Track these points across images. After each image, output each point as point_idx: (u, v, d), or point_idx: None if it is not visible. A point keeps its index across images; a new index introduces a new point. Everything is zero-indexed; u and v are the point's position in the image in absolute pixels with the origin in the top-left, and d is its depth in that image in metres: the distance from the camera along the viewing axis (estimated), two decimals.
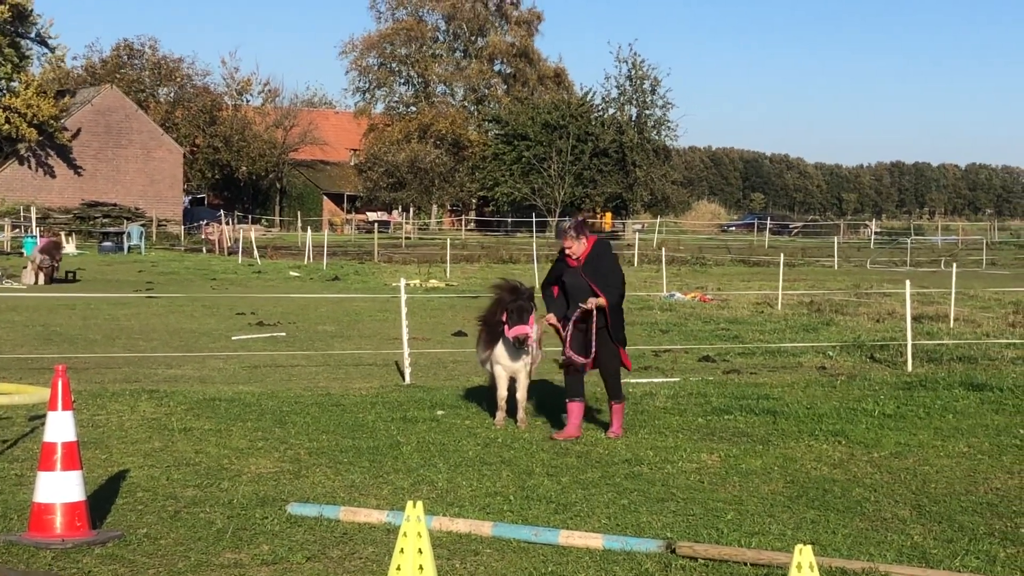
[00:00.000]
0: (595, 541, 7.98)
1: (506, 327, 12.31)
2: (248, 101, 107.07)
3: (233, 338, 21.49)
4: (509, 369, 12.57)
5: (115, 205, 77.39)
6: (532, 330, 12.44)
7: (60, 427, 7.94)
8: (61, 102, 78.90)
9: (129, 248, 59.42)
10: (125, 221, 70.64)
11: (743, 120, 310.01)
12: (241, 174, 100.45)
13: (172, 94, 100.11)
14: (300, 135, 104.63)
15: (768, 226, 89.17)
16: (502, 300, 12.46)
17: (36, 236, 50.85)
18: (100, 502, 8.62)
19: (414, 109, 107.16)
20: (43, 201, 74.78)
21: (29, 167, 79.01)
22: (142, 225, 67.01)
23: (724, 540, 8.12)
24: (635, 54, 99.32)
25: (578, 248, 12.16)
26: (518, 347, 12.30)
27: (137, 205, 78.69)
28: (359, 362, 18.26)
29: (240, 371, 17.05)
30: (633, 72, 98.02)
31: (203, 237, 69.60)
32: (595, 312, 11.99)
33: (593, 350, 12.03)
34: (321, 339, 21.69)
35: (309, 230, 57.94)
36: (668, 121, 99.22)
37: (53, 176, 79.26)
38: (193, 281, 39.33)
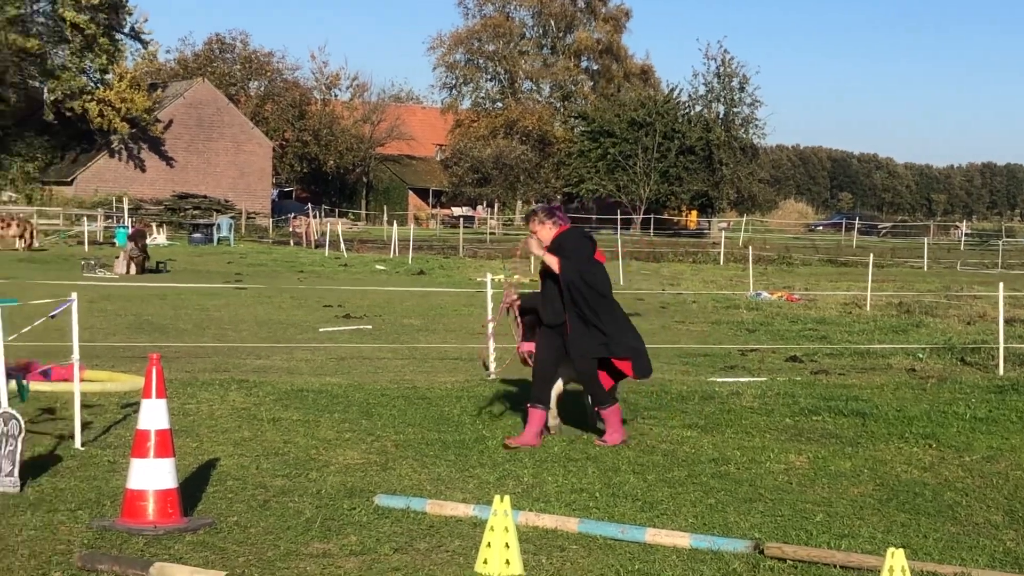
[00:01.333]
0: (682, 540, 7.94)
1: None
2: (336, 96, 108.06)
3: (320, 330, 21.65)
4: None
5: (205, 197, 78.33)
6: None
7: (154, 415, 8.05)
8: (154, 95, 79.94)
9: (218, 240, 60.09)
10: (215, 213, 71.46)
11: (832, 119, 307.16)
12: (329, 168, 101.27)
13: (262, 88, 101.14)
14: (387, 130, 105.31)
15: (856, 226, 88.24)
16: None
17: (128, 227, 51.62)
18: (191, 489, 8.72)
19: (500, 105, 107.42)
20: (135, 192, 75.87)
21: (121, 159, 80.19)
22: (231, 217, 67.74)
23: (813, 542, 8.05)
24: (724, 51, 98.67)
25: (544, 233, 11.40)
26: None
27: (227, 197, 79.59)
28: (444, 356, 18.33)
29: (327, 362, 17.17)
30: (722, 69, 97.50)
31: (291, 230, 70.25)
32: (543, 281, 11.30)
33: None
34: (407, 332, 21.79)
35: (395, 224, 58.26)
36: (756, 119, 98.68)
37: (144, 170, 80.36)
38: (281, 273, 39.70)
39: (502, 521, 7.25)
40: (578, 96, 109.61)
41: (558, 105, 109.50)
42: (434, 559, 7.50)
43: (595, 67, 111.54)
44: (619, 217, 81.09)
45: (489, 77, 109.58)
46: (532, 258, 11.87)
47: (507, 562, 7.22)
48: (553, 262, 11.17)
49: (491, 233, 75.25)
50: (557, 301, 11.28)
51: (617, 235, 64.81)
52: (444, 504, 8.69)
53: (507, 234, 77.45)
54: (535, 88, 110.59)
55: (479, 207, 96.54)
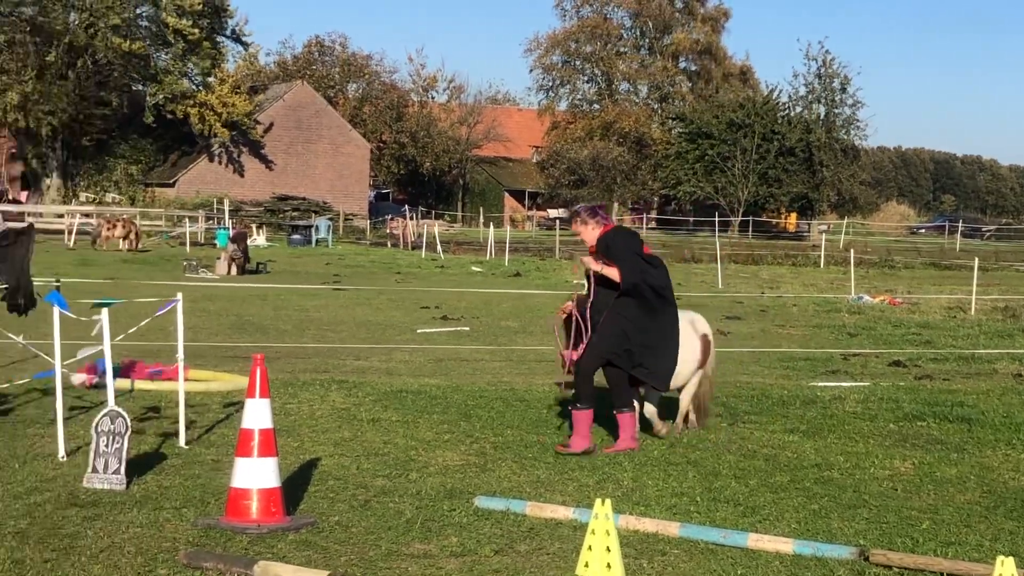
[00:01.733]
0: (785, 546, 7.85)
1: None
2: (433, 98, 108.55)
3: (418, 331, 21.74)
4: None
5: (304, 199, 79.07)
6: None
7: (257, 414, 8.12)
8: (255, 99, 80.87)
9: (317, 241, 60.59)
10: (313, 215, 72.08)
11: (934, 120, 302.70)
12: (425, 170, 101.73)
13: (360, 90, 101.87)
14: (484, 132, 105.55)
15: (959, 228, 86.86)
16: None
17: (229, 228, 52.25)
18: (293, 489, 8.78)
19: (597, 107, 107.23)
20: (235, 194, 76.75)
21: (222, 161, 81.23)
22: (330, 219, 68.25)
23: (919, 550, 7.92)
24: (825, 51, 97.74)
25: (588, 234, 11.17)
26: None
27: (325, 199, 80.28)
28: (541, 358, 18.29)
29: (425, 364, 17.23)
30: (823, 70, 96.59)
31: (388, 231, 70.62)
32: (596, 291, 10.92)
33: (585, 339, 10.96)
34: (504, 334, 21.81)
35: (492, 226, 58.36)
36: (857, 120, 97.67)
37: (243, 173, 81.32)
38: (378, 274, 39.93)
39: (603, 524, 7.20)
40: (676, 97, 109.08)
41: (655, 106, 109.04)
42: (535, 561, 7.49)
43: (693, 68, 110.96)
44: (717, 219, 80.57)
45: (586, 78, 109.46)
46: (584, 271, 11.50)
47: (608, 566, 7.16)
48: (613, 273, 10.88)
49: None
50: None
51: (715, 238, 64.39)
52: (544, 506, 8.67)
53: None
54: (632, 89, 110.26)
55: None
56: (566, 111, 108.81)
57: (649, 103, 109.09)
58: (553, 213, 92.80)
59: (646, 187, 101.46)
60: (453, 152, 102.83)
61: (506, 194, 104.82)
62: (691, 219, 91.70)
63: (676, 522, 8.33)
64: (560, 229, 65.98)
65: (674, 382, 11.80)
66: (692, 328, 11.93)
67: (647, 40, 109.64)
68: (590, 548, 7.22)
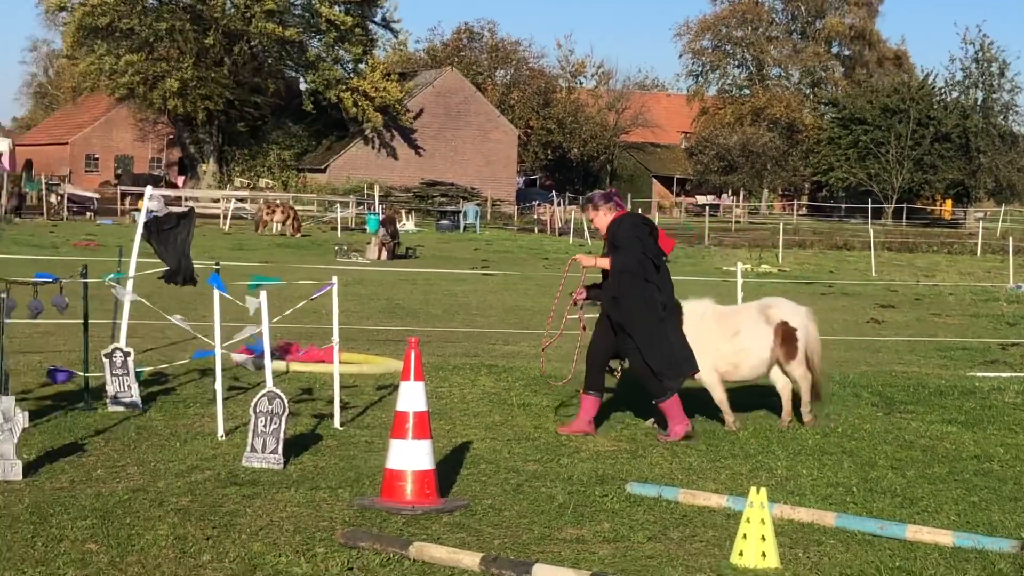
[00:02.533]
0: (944, 538, 7.68)
1: None
2: (581, 83, 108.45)
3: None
4: None
5: (452, 184, 79.63)
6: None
7: (412, 397, 8.19)
8: (405, 85, 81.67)
9: (465, 227, 60.99)
10: (461, 200, 72.54)
11: None
12: (573, 156, 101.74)
13: (508, 76, 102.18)
14: (632, 117, 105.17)
15: None
16: None
17: (379, 213, 52.85)
18: (446, 471, 8.83)
19: (747, 92, 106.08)
20: (384, 180, 77.57)
21: (373, 147, 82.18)
22: (478, 204, 68.66)
23: None
24: (983, 36, 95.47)
25: (600, 220, 11.09)
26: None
27: (473, 185, 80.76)
28: None
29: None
30: (980, 55, 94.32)
31: (535, 217, 70.81)
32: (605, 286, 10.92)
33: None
34: None
35: (641, 211, 58.11)
36: (1016, 106, 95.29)
37: (396, 157, 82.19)
38: (526, 260, 40.05)
39: (758, 513, 7.14)
40: (828, 82, 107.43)
41: (807, 92, 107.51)
42: (688, 549, 7.44)
43: (846, 53, 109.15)
44: (870, 206, 79.22)
45: (736, 63, 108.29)
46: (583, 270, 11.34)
47: (763, 554, 7.10)
48: (604, 263, 10.88)
49: (736, 222, 74.38)
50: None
51: (868, 225, 63.33)
52: (697, 494, 8.61)
53: (752, 223, 76.46)
54: (784, 74, 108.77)
55: (724, 195, 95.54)
56: (716, 96, 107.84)
57: (801, 88, 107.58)
58: (702, 200, 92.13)
59: (797, 173, 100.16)
60: (601, 138, 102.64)
61: (654, 180, 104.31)
62: (843, 206, 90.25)
63: (832, 512, 8.21)
64: (709, 216, 65.48)
65: (748, 373, 11.58)
66: (763, 317, 11.53)
67: (799, 24, 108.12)
68: (745, 536, 7.17)
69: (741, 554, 7.15)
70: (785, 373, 11.62)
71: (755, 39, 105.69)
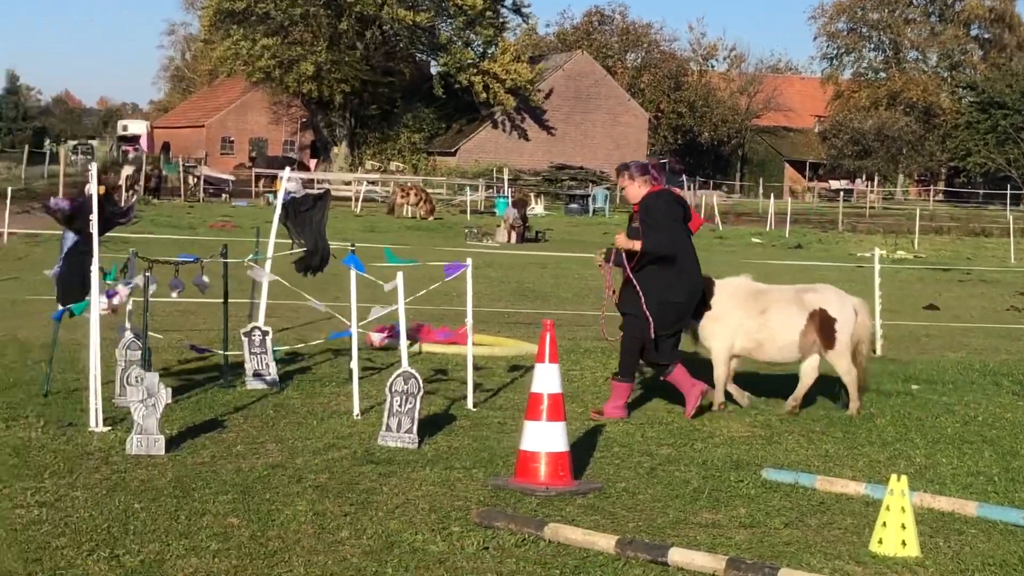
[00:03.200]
0: None
1: None
2: (713, 67, 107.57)
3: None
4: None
5: (581, 168, 79.57)
6: None
7: (547, 379, 8.19)
8: (536, 68, 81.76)
9: (594, 211, 60.87)
10: (590, 184, 72.43)
11: None
12: (703, 140, 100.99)
13: (639, 59, 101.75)
14: (764, 101, 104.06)
15: None
16: None
17: (508, 197, 52.98)
18: (579, 453, 8.81)
19: (883, 75, 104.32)
20: (514, 163, 77.74)
21: (503, 130, 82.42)
22: (607, 188, 68.48)
23: None
24: None
25: (632, 191, 10.82)
26: None
27: (602, 169, 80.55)
28: None
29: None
30: None
31: None
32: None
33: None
34: None
35: (772, 197, 57.53)
36: None
37: (527, 139, 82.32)
38: None
39: (898, 501, 7.03)
40: (967, 66, 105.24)
41: (945, 75, 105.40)
42: (826, 536, 7.34)
43: (985, 35, 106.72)
44: (1009, 192, 77.42)
45: (872, 46, 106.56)
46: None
47: (903, 543, 6.99)
48: (636, 245, 10.62)
49: (871, 207, 73.11)
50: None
51: (1007, 211, 61.94)
52: (834, 481, 8.50)
53: (887, 208, 75.18)
54: (921, 57, 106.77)
55: (858, 180, 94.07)
56: (850, 80, 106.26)
57: (938, 71, 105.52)
58: (835, 184, 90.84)
59: (933, 158, 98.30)
60: (732, 122, 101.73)
61: (786, 164, 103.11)
62: (981, 192, 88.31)
63: (973, 501, 8.04)
64: (843, 201, 64.56)
65: (774, 354, 11.34)
66: (798, 301, 11.24)
67: (937, 7, 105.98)
68: (884, 524, 7.06)
69: (880, 542, 7.04)
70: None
71: (892, 21, 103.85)
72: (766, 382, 12.25)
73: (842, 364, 11.23)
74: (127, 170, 55.36)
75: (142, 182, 53.72)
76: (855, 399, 11.31)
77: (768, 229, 51.22)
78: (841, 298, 11.39)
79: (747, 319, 11.24)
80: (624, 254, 10.81)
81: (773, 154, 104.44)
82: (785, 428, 10.54)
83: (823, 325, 11.15)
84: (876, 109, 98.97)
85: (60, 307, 10.62)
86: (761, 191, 75.24)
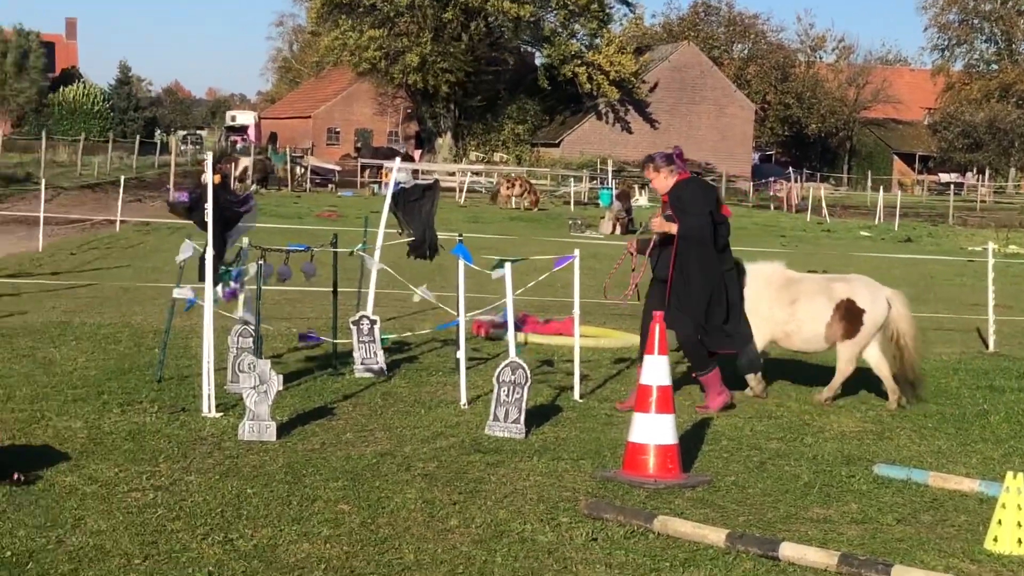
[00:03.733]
0: None
1: None
2: (821, 58, 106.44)
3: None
4: None
5: (687, 160, 79.04)
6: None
7: (656, 371, 8.15)
8: (641, 59, 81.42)
9: None
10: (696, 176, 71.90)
11: None
12: (811, 131, 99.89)
13: (745, 51, 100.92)
14: (873, 93, 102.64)
15: None
16: None
17: (611, 188, 52.86)
18: (686, 446, 8.76)
19: (995, 67, 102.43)
20: (617, 155, 77.49)
21: (606, 122, 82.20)
22: (712, 181, 68.04)
23: None
24: None
25: (660, 182, 10.66)
26: None
27: (708, 161, 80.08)
28: (938, 326, 17.65)
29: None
30: None
31: (771, 194, 69.83)
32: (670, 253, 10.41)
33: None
34: None
35: (881, 190, 56.79)
36: None
37: (630, 131, 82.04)
38: (762, 237, 39.50)
39: (1015, 499, 6.90)
40: None
41: None
42: (939, 533, 7.24)
43: None
44: None
45: (984, 38, 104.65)
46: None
47: (1019, 541, 6.86)
48: (672, 228, 10.41)
49: (981, 201, 71.86)
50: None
51: None
52: (948, 477, 8.37)
53: (998, 202, 73.82)
54: None
55: (968, 174, 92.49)
56: (962, 71, 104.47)
57: None
58: (945, 177, 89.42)
59: None
60: (840, 114, 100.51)
61: (895, 157, 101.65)
62: None
63: None
64: (954, 194, 63.52)
65: (801, 344, 11.27)
66: (827, 291, 11.06)
67: None
68: (1000, 522, 6.94)
69: (995, 540, 6.92)
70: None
71: (1004, 13, 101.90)
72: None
73: (846, 354, 11.10)
74: (244, 161, 56.11)
75: (251, 172, 54.35)
76: (892, 392, 11.17)
77: (877, 223, 50.54)
78: (873, 290, 11.22)
79: (778, 309, 11.12)
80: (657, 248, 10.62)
81: (882, 146, 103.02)
82: (896, 424, 10.41)
83: (848, 315, 11.02)
84: (988, 102, 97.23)
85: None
86: (869, 184, 74.12)
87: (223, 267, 10.26)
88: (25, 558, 6.11)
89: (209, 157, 10.02)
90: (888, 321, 11.11)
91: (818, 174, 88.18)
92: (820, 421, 10.37)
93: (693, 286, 10.40)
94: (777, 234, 41.47)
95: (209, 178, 9.77)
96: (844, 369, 11.21)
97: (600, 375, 12.18)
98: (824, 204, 54.35)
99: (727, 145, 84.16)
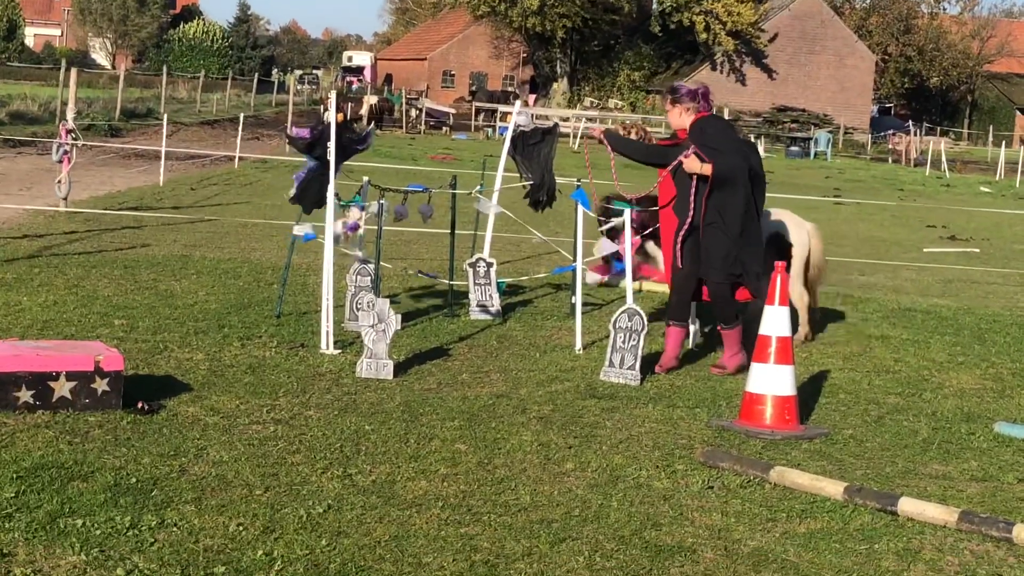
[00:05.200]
0: None
1: None
2: (945, 10, 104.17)
3: (924, 250, 21.07)
4: None
5: (804, 111, 78.08)
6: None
7: (776, 322, 8.08)
8: (761, 8, 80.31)
9: (815, 154, 59.76)
10: (812, 127, 71.08)
11: None
12: (932, 85, 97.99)
13: (867, 1, 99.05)
14: (996, 46, 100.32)
15: None
16: None
17: None
18: (803, 398, 8.68)
19: None
20: (734, 104, 76.62)
21: (723, 72, 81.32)
22: (829, 132, 67.11)
23: None
24: None
25: (677, 119, 9.70)
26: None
27: (825, 112, 78.95)
28: None
29: (933, 284, 16.69)
30: None
31: (889, 147, 68.71)
32: (700, 201, 9.47)
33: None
34: (1017, 258, 20.79)
35: (1003, 145, 55.60)
36: None
37: (744, 83, 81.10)
38: (879, 190, 38.95)
39: None
40: None
41: None
42: None
43: None
44: None
45: None
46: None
47: None
48: (707, 168, 9.41)
49: None
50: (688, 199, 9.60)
51: None
52: None
53: None
54: None
55: None
56: None
57: None
58: None
59: None
60: (963, 67, 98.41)
61: (1017, 113, 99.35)
62: None
63: None
64: None
65: None
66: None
67: None
68: None
69: None
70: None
71: None
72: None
73: (794, 290, 10.77)
74: (370, 99, 56.49)
75: (366, 111, 54.67)
76: (804, 324, 11.20)
77: (997, 179, 49.53)
78: (797, 224, 11.31)
79: None
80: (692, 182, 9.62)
81: (1004, 101, 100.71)
82: (1017, 382, 10.22)
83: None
84: None
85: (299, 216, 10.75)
86: (991, 139, 72.60)
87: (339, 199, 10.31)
88: (150, 485, 6.24)
89: (333, 95, 10.08)
90: (807, 253, 11.23)
91: (938, 128, 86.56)
92: (939, 377, 10.23)
93: (730, 232, 9.55)
94: (895, 187, 40.83)
95: (332, 116, 9.83)
96: (801, 304, 11.14)
97: (712, 323, 12.08)
98: (944, 158, 53.37)
99: (845, 96, 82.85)
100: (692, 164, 9.49)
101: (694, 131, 9.63)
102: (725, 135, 9.85)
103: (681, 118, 9.74)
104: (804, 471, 7.05)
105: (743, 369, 9.37)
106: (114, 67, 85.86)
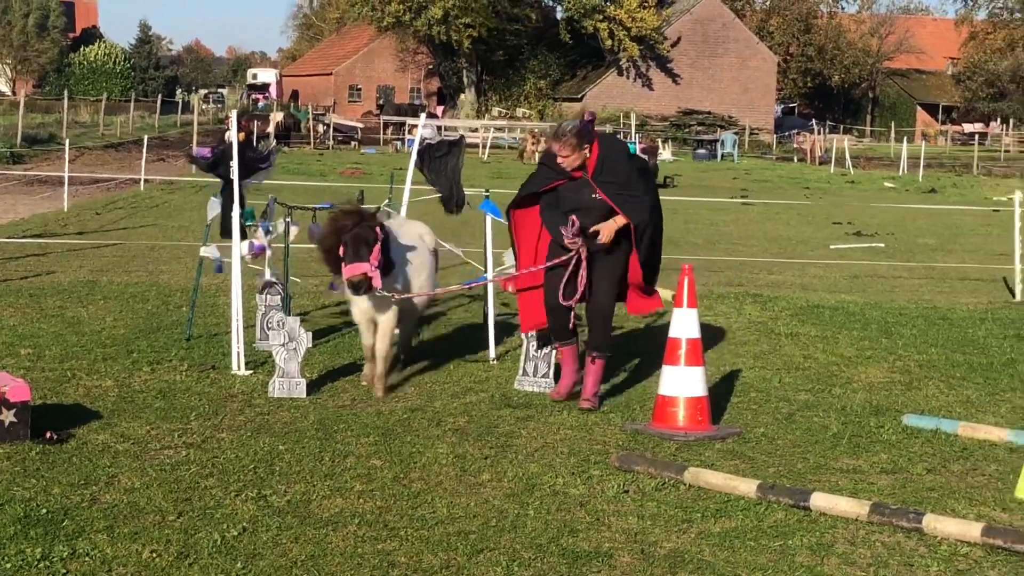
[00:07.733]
0: None
1: (343, 264, 8.80)
2: (843, 8, 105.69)
3: (831, 247, 21.34)
4: (365, 313, 9.19)
5: (709, 113, 78.74)
6: (373, 269, 8.72)
7: (685, 324, 8.15)
8: (663, 13, 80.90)
9: (722, 156, 60.29)
10: (719, 129, 71.70)
11: None
12: (833, 83, 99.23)
13: (767, 2, 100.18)
14: (895, 43, 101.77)
15: None
16: (339, 228, 8.82)
17: (635, 143, 52.65)
18: (715, 399, 8.77)
19: (1019, 16, 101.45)
20: (641, 108, 77.13)
21: (628, 77, 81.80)
22: (735, 133, 67.77)
23: None
24: None
25: (573, 160, 8.55)
26: (355, 291, 8.81)
27: (730, 113, 79.67)
28: (963, 276, 17.63)
29: (840, 280, 16.91)
30: None
31: (794, 146, 69.50)
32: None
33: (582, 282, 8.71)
34: (921, 251, 21.12)
35: (905, 141, 56.48)
36: None
37: (651, 88, 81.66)
38: (786, 189, 39.41)
39: None
40: None
41: None
42: (969, 482, 7.25)
43: None
44: None
45: None
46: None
47: None
48: (621, 222, 8.58)
49: (1006, 151, 71.41)
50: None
51: None
52: (977, 427, 8.37)
53: (1023, 152, 73.35)
54: None
55: (992, 123, 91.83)
56: (986, 20, 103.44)
57: None
58: (969, 128, 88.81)
59: None
60: (863, 65, 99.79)
61: (918, 108, 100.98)
62: None
63: None
64: (978, 144, 63.13)
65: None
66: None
67: None
68: None
69: None
70: None
71: None
72: None
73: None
74: (277, 116, 56.21)
75: (272, 129, 54.36)
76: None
77: (901, 174, 50.31)
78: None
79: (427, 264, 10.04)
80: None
81: (905, 97, 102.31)
82: (924, 374, 10.39)
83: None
84: (1012, 51, 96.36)
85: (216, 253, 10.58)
86: (893, 135, 73.66)
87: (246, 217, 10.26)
88: (60, 515, 6.16)
89: (234, 115, 10.03)
90: None
91: (841, 126, 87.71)
92: (848, 372, 10.37)
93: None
94: (801, 186, 41.32)
95: (234, 135, 9.78)
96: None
97: (626, 328, 12.17)
98: (848, 156, 54.09)
99: (749, 98, 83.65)
100: (610, 233, 8.60)
101: (597, 167, 8.63)
102: (624, 159, 8.82)
103: (576, 159, 8.59)
104: (718, 471, 7.13)
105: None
106: (14, 93, 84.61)
